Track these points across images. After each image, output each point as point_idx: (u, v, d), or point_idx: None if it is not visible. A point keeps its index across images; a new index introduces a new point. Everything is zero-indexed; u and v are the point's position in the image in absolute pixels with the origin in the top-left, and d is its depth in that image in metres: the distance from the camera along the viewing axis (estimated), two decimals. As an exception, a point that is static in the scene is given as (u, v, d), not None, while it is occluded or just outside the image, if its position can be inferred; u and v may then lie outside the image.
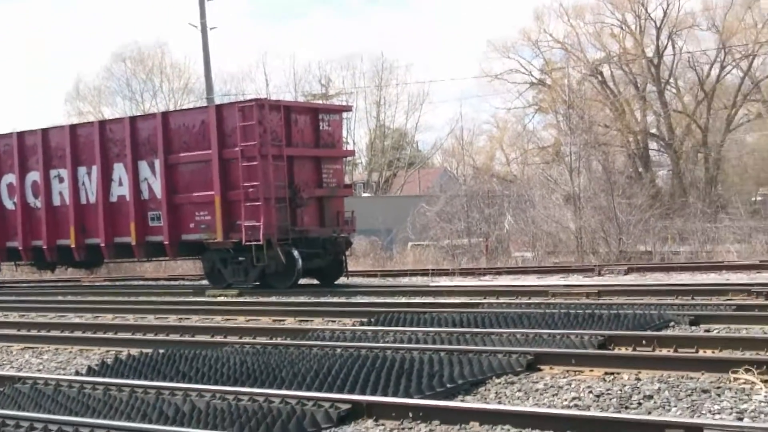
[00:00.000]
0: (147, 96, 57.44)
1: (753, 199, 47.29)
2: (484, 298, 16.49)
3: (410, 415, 7.08)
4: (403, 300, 16.97)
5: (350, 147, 46.54)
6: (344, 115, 23.70)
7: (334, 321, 14.47)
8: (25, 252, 24.12)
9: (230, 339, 12.43)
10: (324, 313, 15.14)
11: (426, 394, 7.91)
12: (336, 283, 21.60)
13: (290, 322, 14.76)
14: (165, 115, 22.09)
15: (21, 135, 24.01)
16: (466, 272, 24.17)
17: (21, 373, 10.22)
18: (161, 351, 10.67)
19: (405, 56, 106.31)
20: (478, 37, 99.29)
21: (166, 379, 9.14)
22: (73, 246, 22.97)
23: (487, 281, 21.30)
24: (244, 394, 7.88)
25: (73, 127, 23.51)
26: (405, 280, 22.85)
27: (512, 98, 52.68)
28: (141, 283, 26.62)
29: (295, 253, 20.12)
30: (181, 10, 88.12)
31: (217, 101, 35.48)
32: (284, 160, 20.30)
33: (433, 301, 16.42)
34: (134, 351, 11.62)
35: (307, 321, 14.72)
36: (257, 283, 20.70)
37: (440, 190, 38.93)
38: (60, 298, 21.18)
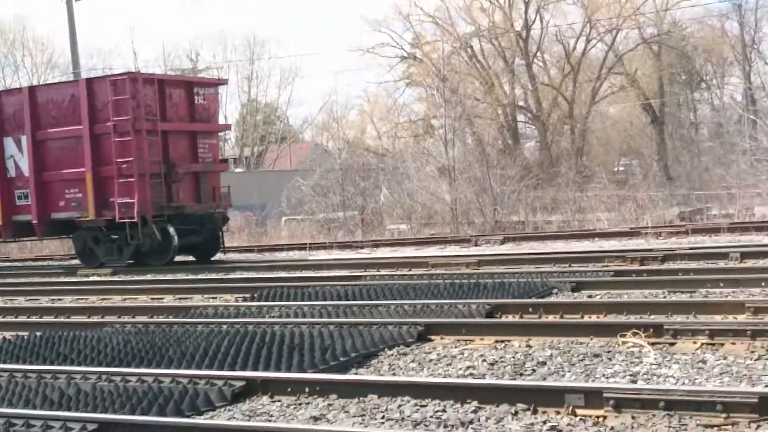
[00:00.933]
0: (8, 71, 55.51)
1: (615, 169, 48.65)
2: (365, 271, 16.45)
3: (306, 390, 6.95)
4: (283, 275, 16.77)
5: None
6: (219, 89, 23.24)
7: (215, 297, 14.20)
8: None
9: (108, 319, 12.05)
10: (204, 290, 14.84)
11: (320, 368, 7.78)
12: (213, 259, 21.25)
13: (169, 300, 14.42)
14: (32, 89, 21.25)
15: None
16: (343, 245, 24.09)
17: None
18: (38, 334, 10.25)
19: (277, 31, 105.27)
20: (351, 11, 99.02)
21: (46, 363, 8.78)
22: (-68, 226, 21.97)
23: (366, 254, 21.26)
24: (132, 374, 7.61)
25: (-68, 103, 22.41)
26: (282, 255, 22.63)
27: (383, 72, 52.77)
28: (7, 264, 25.68)
29: (171, 229, 19.71)
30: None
31: (84, 76, 34.42)
32: (159, 135, 19.80)
33: (313, 275, 16.27)
34: (8, 335, 11.19)
35: (187, 298, 14.41)
36: (131, 262, 20.20)
37: (314, 165, 38.77)
38: None
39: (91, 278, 18.67)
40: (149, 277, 17.84)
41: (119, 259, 20.09)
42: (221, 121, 30.14)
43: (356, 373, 7.81)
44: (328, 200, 32.70)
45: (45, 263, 25.26)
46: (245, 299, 13.18)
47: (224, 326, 9.95)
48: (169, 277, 17.42)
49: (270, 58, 55.68)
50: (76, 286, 16.98)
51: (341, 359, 8.13)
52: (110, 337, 9.77)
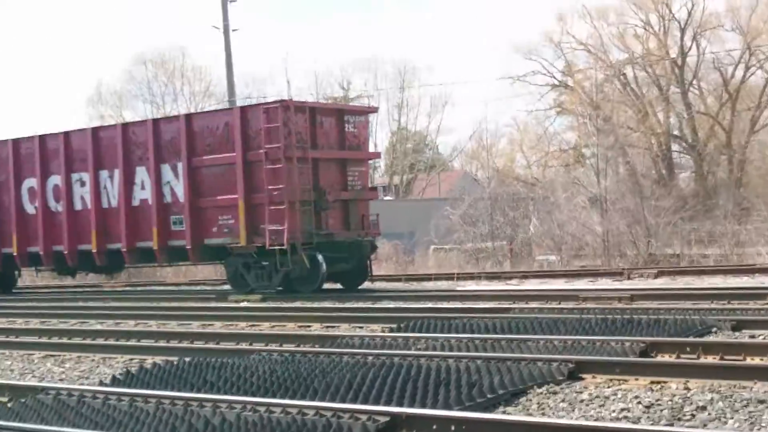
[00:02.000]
0: (168, 99, 57.38)
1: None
2: (513, 303, 16.11)
3: (452, 428, 6.71)
4: (430, 305, 16.59)
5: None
6: (370, 116, 23.34)
7: (362, 327, 14.13)
8: (46, 257, 23.87)
9: (256, 346, 12.09)
10: (350, 319, 14.80)
11: (466, 405, 7.55)
12: (360, 287, 21.26)
13: (316, 328, 14.43)
14: (188, 117, 21.80)
15: (43, 138, 23.79)
16: (491, 276, 23.79)
17: (43, 384, 9.92)
18: (187, 359, 10.35)
19: (426, 59, 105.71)
20: (501, 39, 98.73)
21: (193, 390, 8.81)
22: (94, 251, 22.71)
23: (515, 285, 20.91)
24: (277, 405, 7.54)
25: (95, 130, 23.29)
26: (430, 285, 22.50)
27: (534, 100, 52.22)
28: (162, 288, 26.34)
29: (320, 257, 19.81)
30: (201, 13, 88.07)
31: (239, 104, 35.22)
32: (309, 162, 20.02)
33: (461, 306, 16.06)
34: (158, 359, 11.37)
35: (333, 327, 14.40)
36: (280, 288, 20.39)
37: (462, 193, 38.56)
38: (81, 303, 20.93)
39: (242, 304, 18.90)
40: (297, 304, 17.94)
41: (269, 286, 20.30)
42: (371, 148, 30.26)
43: (504, 412, 7.55)
44: (476, 229, 32.43)
45: (198, 288, 25.81)
46: (392, 330, 13.05)
47: (370, 357, 9.82)
48: (316, 305, 17.49)
49: (420, 86, 55.69)
50: (227, 311, 17.22)
51: (488, 396, 7.88)
52: (257, 365, 9.77)
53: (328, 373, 8.98)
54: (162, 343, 13.14)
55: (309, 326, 14.72)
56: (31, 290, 28.19)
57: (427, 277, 24.43)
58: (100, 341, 13.81)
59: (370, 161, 26.35)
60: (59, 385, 9.60)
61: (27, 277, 30.56)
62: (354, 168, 21.29)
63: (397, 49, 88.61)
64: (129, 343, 13.39)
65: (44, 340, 14.27)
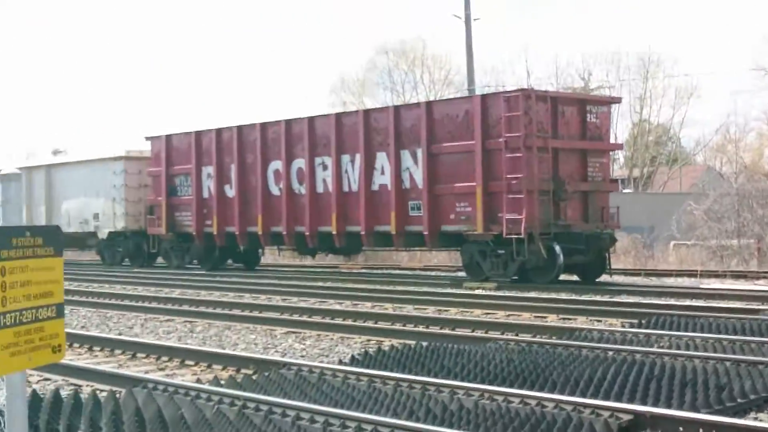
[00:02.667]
0: (408, 87, 58.11)
1: None
2: (762, 304, 15.26)
3: (700, 431, 6.37)
4: (673, 302, 15.96)
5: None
6: (612, 107, 22.72)
7: (600, 321, 13.78)
8: (288, 237, 24.67)
9: (492, 334, 11.99)
10: (588, 312, 14.47)
11: (714, 408, 7.15)
12: (597, 280, 20.75)
13: (552, 320, 14.19)
14: (429, 104, 21.96)
15: (289, 123, 24.57)
16: (737, 275, 22.69)
17: (286, 359, 10.19)
18: (424, 344, 10.37)
19: (671, 49, 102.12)
20: (752, 28, 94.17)
21: (430, 374, 8.79)
22: (334, 233, 23.27)
23: (762, 286, 19.84)
24: (515, 395, 7.40)
25: (338, 116, 23.84)
26: (670, 281, 21.70)
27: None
28: (397, 272, 26.69)
29: (557, 248, 19.46)
30: (441, 3, 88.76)
31: (478, 92, 35.20)
32: (549, 152, 19.71)
33: (705, 305, 15.37)
34: (395, 342, 11.47)
35: (570, 319, 14.12)
36: (515, 278, 20.19)
37: (706, 188, 37.01)
38: (320, 284, 21.49)
39: (476, 291, 18.84)
40: (532, 294, 17.70)
41: (504, 274, 20.15)
42: (612, 140, 29.48)
43: (756, 418, 7.10)
44: (721, 226, 31.00)
45: (432, 273, 25.99)
46: (632, 325, 12.64)
47: (610, 353, 9.51)
48: (552, 296, 17.21)
49: (665, 77, 53.77)
50: (462, 298, 17.20)
51: (739, 401, 7.45)
52: (493, 353, 9.65)
53: (567, 366, 8.75)
54: (398, 326, 13.28)
55: (545, 317, 14.50)
56: (272, 268, 29.26)
57: (668, 273, 23.59)
58: (339, 321, 14.11)
59: (611, 152, 25.64)
60: (301, 361, 9.81)
61: (269, 256, 31.75)
62: (594, 159, 20.80)
63: (641, 40, 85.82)
64: (366, 324, 13.60)
65: (286, 317, 14.72)
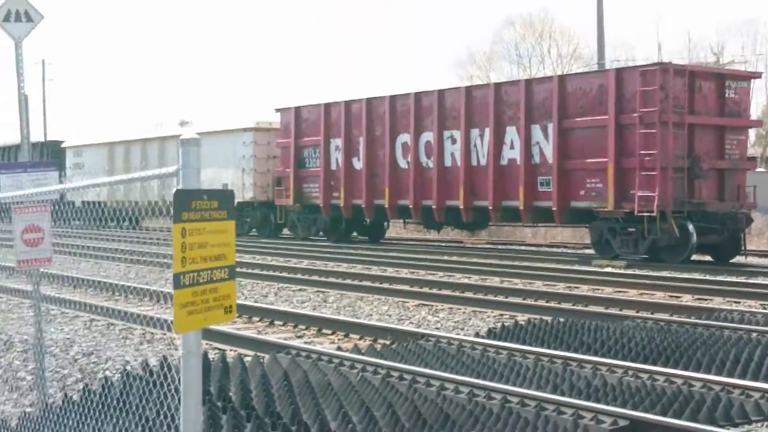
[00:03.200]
0: (534, 61, 57.50)
1: None
2: None
3: None
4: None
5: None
6: (752, 82, 22.03)
7: (738, 302, 13.45)
8: (414, 210, 24.75)
9: (626, 312, 11.86)
10: (725, 293, 14.15)
11: None
12: (732, 261, 20.25)
13: (688, 299, 13.93)
14: (561, 78, 21.66)
15: (418, 96, 24.58)
16: None
17: (423, 330, 10.28)
18: (561, 320, 10.32)
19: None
20: None
21: (570, 350, 8.76)
22: (461, 207, 23.24)
23: None
24: (660, 374, 7.33)
25: (468, 89, 23.71)
26: (807, 264, 21.03)
27: None
28: (523, 248, 26.54)
29: (690, 227, 19.06)
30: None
31: (607, 66, 34.58)
32: (684, 128, 19.27)
33: None
34: (528, 317, 11.44)
35: (706, 299, 13.83)
36: (645, 256, 19.86)
37: None
38: (446, 258, 21.54)
39: (606, 269, 18.62)
40: (665, 273, 17.38)
41: (634, 252, 19.83)
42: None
43: None
44: None
45: (558, 250, 25.76)
46: (772, 307, 12.34)
47: (754, 334, 9.31)
48: (685, 275, 16.87)
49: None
50: (591, 275, 17.03)
51: None
52: (632, 331, 9.56)
53: (711, 346, 8.61)
54: (530, 302, 13.24)
55: (679, 297, 14.24)
56: (395, 241, 29.44)
57: (804, 256, 22.89)
58: (469, 295, 14.12)
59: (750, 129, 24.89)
60: (437, 333, 9.89)
61: (391, 229, 31.91)
62: (732, 136, 20.26)
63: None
64: (497, 298, 13.59)
65: (415, 289, 14.81)
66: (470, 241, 29.07)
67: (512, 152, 22.02)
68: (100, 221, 33.94)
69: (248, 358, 8.47)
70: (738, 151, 20.36)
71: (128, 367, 8.57)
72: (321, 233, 28.85)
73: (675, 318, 10.95)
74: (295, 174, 28.40)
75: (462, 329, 11.03)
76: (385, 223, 29.32)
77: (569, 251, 24.99)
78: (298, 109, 28.67)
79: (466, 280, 16.58)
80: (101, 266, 19.76)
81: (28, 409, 8.27)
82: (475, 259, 21.11)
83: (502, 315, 12.23)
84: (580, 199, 20.65)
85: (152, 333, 10.96)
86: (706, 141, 19.86)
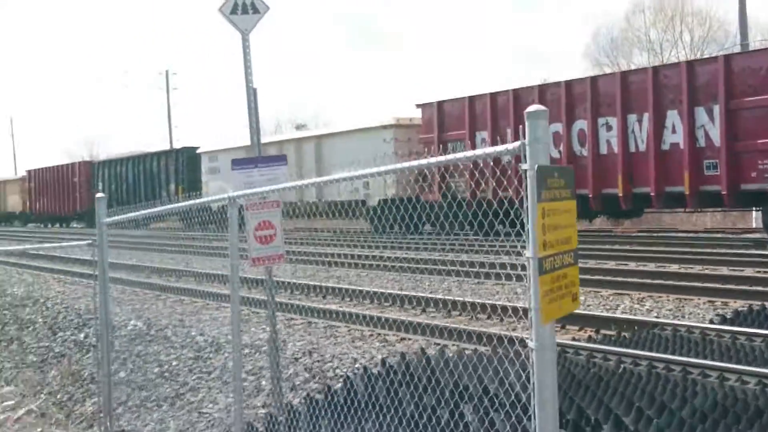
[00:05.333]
0: (666, 46, 55.94)
1: None
2: None
3: None
4: None
5: None
6: None
7: None
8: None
9: None
10: None
11: None
12: None
13: None
14: (727, 58, 20.84)
15: (569, 84, 24.03)
16: None
17: (659, 320, 9.86)
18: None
19: None
20: None
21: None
22: (620, 195, 22.60)
23: None
24: None
25: (624, 74, 23.09)
26: None
27: None
28: (681, 235, 25.69)
29: None
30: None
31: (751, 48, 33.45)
32: None
33: None
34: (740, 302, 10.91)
35: None
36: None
37: None
38: (617, 246, 21.04)
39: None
40: None
41: (814, 235, 18.96)
42: None
43: None
44: None
45: (719, 236, 24.82)
46: None
47: None
48: None
49: None
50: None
51: None
52: None
53: None
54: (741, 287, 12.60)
55: None
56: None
57: None
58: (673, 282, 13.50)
59: None
60: (672, 321, 9.46)
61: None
62: None
63: None
64: (705, 285, 12.95)
65: (609, 278, 14.31)
66: (619, 231, 28.31)
67: (674, 136, 21.28)
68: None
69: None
70: None
71: (366, 366, 8.35)
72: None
73: None
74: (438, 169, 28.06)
75: (684, 317, 10.53)
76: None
77: (731, 236, 24.04)
78: (440, 104, 28.39)
79: (642, 268, 16.00)
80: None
81: (261, 411, 8.14)
82: (644, 248, 20.41)
83: (712, 302, 11.68)
84: (751, 181, 19.82)
85: (360, 330, 10.78)
86: None
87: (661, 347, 7.97)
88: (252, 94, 7.98)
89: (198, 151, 43.46)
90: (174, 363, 10.43)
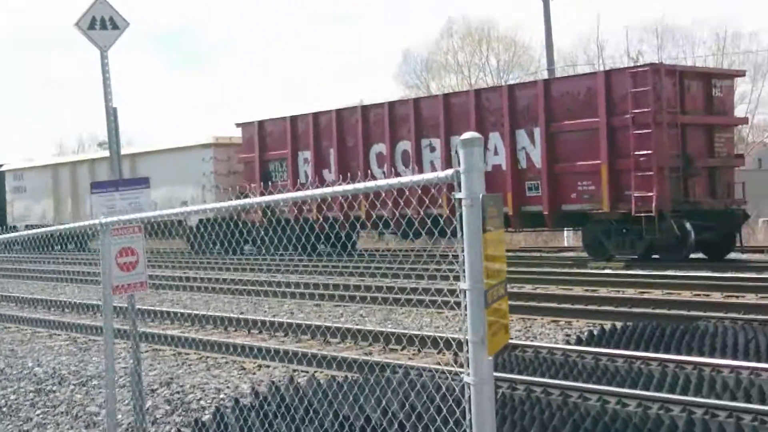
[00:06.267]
0: (474, 69, 57.12)
1: None
2: None
3: None
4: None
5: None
6: (736, 81, 22.26)
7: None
8: (396, 222, 24.35)
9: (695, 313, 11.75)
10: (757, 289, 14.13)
11: None
12: (726, 258, 20.31)
13: (717, 297, 13.86)
14: (547, 83, 21.57)
15: (392, 105, 24.34)
16: None
17: (519, 342, 9.99)
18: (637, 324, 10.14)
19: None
20: None
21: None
22: (444, 215, 22.91)
23: None
24: None
25: (446, 96, 23.59)
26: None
27: None
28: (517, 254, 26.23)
29: (688, 225, 19.09)
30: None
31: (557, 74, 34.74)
32: (678, 127, 19.34)
33: None
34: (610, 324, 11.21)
35: (734, 296, 13.79)
36: (635, 257, 19.79)
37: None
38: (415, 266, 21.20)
39: (605, 270, 18.51)
40: (669, 272, 17.23)
41: (631, 253, 19.79)
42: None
43: None
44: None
45: (554, 255, 25.44)
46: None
47: None
48: (689, 273, 16.80)
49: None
50: (601, 276, 16.91)
51: None
52: (715, 331, 9.41)
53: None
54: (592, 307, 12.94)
55: (708, 294, 14.17)
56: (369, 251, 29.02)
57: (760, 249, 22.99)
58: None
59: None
60: (533, 343, 9.61)
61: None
62: (720, 134, 20.45)
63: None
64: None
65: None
66: (452, 249, 28.66)
67: (497, 158, 21.85)
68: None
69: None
70: (726, 148, 20.53)
71: (236, 397, 8.07)
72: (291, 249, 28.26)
73: (751, 316, 10.82)
74: (261, 189, 27.79)
75: (536, 338, 10.73)
76: (356, 234, 28.83)
77: (559, 254, 24.74)
78: (261, 123, 28.19)
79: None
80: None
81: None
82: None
83: (556, 321, 11.98)
84: (571, 202, 20.54)
85: (214, 357, 10.47)
86: (697, 140, 20.00)
87: (530, 369, 8.09)
88: (111, 113, 7.63)
89: (1, 169, 41.54)
90: (12, 397, 9.82)
